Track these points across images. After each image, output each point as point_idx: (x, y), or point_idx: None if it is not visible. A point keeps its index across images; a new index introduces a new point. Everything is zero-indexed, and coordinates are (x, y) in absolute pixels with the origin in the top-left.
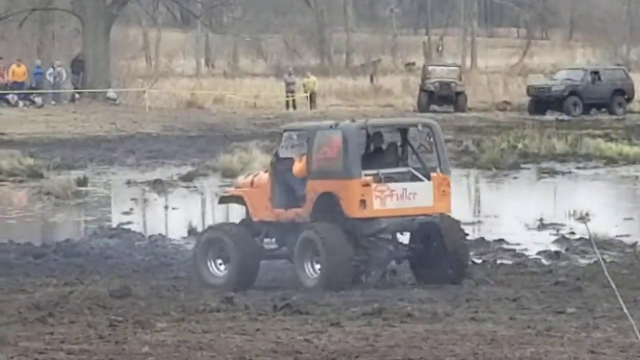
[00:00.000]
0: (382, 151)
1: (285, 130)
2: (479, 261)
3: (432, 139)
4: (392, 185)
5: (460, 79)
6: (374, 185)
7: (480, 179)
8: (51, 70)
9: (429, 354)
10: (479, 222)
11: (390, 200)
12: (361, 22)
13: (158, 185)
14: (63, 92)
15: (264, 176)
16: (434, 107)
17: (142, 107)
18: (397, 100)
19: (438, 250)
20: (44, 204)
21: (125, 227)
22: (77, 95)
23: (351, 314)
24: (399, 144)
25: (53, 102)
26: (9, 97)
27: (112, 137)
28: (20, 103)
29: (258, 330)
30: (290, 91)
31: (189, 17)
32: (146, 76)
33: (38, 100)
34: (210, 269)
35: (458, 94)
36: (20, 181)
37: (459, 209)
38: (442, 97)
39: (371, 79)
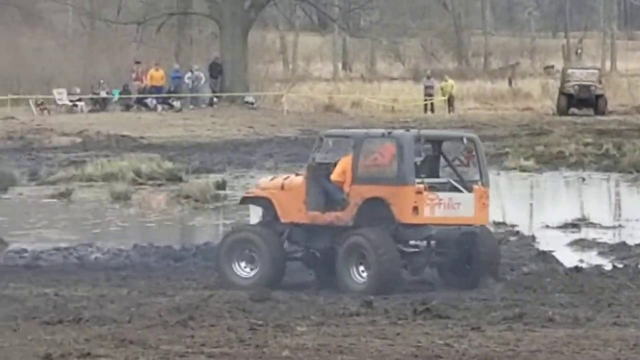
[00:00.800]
0: (425, 161)
1: (326, 136)
2: (621, 266)
3: (474, 153)
4: (440, 194)
5: (599, 82)
6: (425, 193)
7: (621, 183)
8: (189, 74)
9: (570, 359)
10: (620, 226)
11: (438, 209)
12: (499, 25)
13: None
14: (201, 96)
15: (297, 179)
16: (573, 110)
17: (280, 110)
18: (535, 103)
19: (470, 258)
20: (182, 207)
21: None
22: (215, 99)
23: (492, 318)
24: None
25: (191, 106)
26: (148, 101)
27: (250, 140)
28: (159, 107)
29: (398, 334)
30: (428, 95)
31: (326, 21)
32: (284, 80)
33: (176, 104)
34: (236, 270)
35: (598, 97)
36: (160, 185)
37: (600, 213)
38: (581, 100)
39: (509, 82)
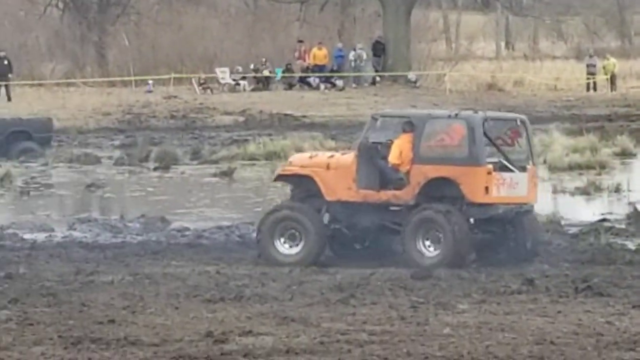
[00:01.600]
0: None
1: (382, 116)
2: None
3: (525, 134)
4: (504, 174)
5: None
6: (494, 173)
7: None
8: (352, 52)
9: None
10: None
11: (503, 189)
12: None
13: None
14: (364, 75)
15: (345, 158)
16: None
17: (442, 89)
18: None
19: (515, 234)
20: None
21: None
22: (377, 78)
23: None
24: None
25: (354, 85)
26: (311, 80)
27: None
28: (322, 86)
29: (559, 312)
30: (590, 73)
31: (489, 0)
32: (446, 59)
33: (339, 83)
34: (278, 247)
35: None
36: None
37: None
38: None
39: None
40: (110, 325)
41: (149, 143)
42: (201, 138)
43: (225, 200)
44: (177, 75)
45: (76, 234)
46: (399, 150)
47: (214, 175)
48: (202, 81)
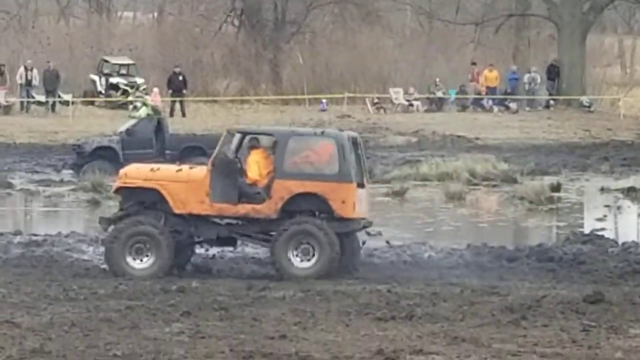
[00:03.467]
0: None
1: (238, 132)
2: None
3: (359, 151)
4: (359, 190)
5: None
6: (357, 189)
7: None
8: (527, 75)
9: None
10: None
11: (360, 204)
12: None
13: (632, 193)
14: (538, 98)
15: (196, 171)
16: None
17: (616, 114)
18: None
19: (351, 248)
20: (516, 208)
21: (599, 233)
22: (551, 102)
23: None
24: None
25: (527, 108)
26: (484, 102)
27: (586, 143)
28: (495, 108)
29: None
30: None
31: None
32: (621, 84)
33: (513, 105)
34: (130, 263)
35: None
36: (494, 185)
37: None
38: None
39: None
40: (282, 341)
41: None
42: (374, 157)
43: (396, 219)
44: (351, 95)
45: (248, 249)
46: (257, 166)
47: (386, 194)
48: (375, 101)
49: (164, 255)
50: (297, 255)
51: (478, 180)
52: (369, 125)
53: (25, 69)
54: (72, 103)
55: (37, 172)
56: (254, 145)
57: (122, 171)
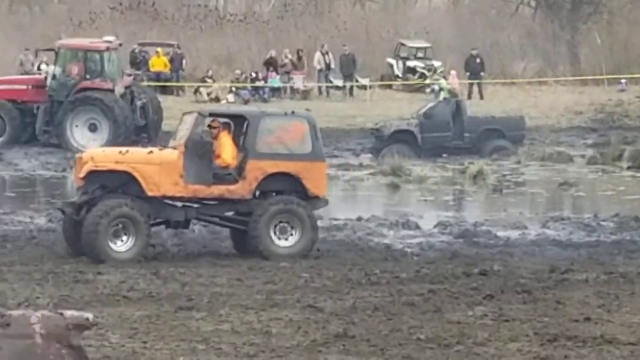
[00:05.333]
0: None
1: (210, 115)
2: None
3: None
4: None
5: None
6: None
7: None
8: None
9: None
10: None
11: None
12: None
13: None
14: None
15: (168, 153)
16: None
17: None
18: None
19: None
20: None
21: None
22: None
23: None
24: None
25: None
26: None
27: None
28: None
29: None
30: None
31: None
32: None
33: None
34: (112, 246)
35: None
36: None
37: None
38: None
39: None
40: (586, 324)
41: (622, 142)
42: None
43: None
44: None
45: (549, 232)
46: (230, 147)
47: None
48: None
49: (144, 237)
50: (277, 234)
51: None
52: None
53: (322, 53)
54: (370, 87)
55: (336, 156)
56: (222, 127)
57: (87, 155)
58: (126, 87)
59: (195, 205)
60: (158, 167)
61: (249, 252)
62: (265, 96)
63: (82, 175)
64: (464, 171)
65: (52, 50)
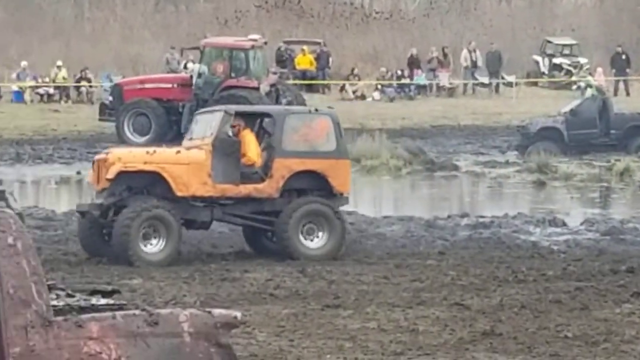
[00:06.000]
0: None
1: (237, 113)
2: None
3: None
4: None
5: None
6: None
7: None
8: None
9: None
10: None
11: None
12: None
13: None
14: None
15: (196, 152)
16: None
17: None
18: None
19: None
20: None
21: None
22: None
23: None
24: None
25: None
26: None
27: None
28: None
29: None
30: None
31: None
32: None
33: None
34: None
35: None
36: None
37: None
38: None
39: None
40: None
41: None
42: None
43: None
44: None
45: None
46: (255, 145)
47: None
48: None
49: (175, 239)
50: (304, 235)
51: None
52: None
53: (469, 51)
54: (516, 84)
55: (482, 153)
56: (245, 125)
57: (113, 156)
58: (271, 85)
59: (219, 205)
60: (187, 167)
61: (273, 252)
62: (411, 94)
63: (111, 176)
64: (610, 168)
65: (198, 48)
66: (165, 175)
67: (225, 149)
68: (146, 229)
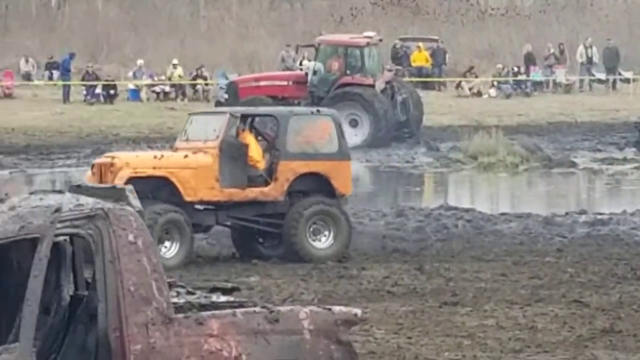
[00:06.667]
0: None
1: (242, 115)
2: None
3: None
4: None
5: None
6: None
7: None
8: None
9: None
10: None
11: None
12: None
13: None
14: None
15: (203, 157)
16: None
17: None
18: None
19: None
20: None
21: None
22: None
23: None
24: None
25: None
26: None
27: None
28: None
29: None
30: None
31: None
32: None
33: None
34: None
35: None
36: None
37: None
38: None
39: None
40: None
41: None
42: None
43: None
44: None
45: None
46: (256, 147)
47: None
48: None
49: (188, 243)
50: (311, 236)
51: None
52: None
53: (585, 47)
54: (633, 80)
55: (599, 150)
56: (246, 128)
57: (121, 161)
58: (387, 83)
59: (223, 209)
60: (194, 172)
61: (264, 256)
62: (528, 90)
63: (121, 182)
64: None
65: (313, 46)
66: (174, 180)
67: (232, 153)
68: (160, 233)
